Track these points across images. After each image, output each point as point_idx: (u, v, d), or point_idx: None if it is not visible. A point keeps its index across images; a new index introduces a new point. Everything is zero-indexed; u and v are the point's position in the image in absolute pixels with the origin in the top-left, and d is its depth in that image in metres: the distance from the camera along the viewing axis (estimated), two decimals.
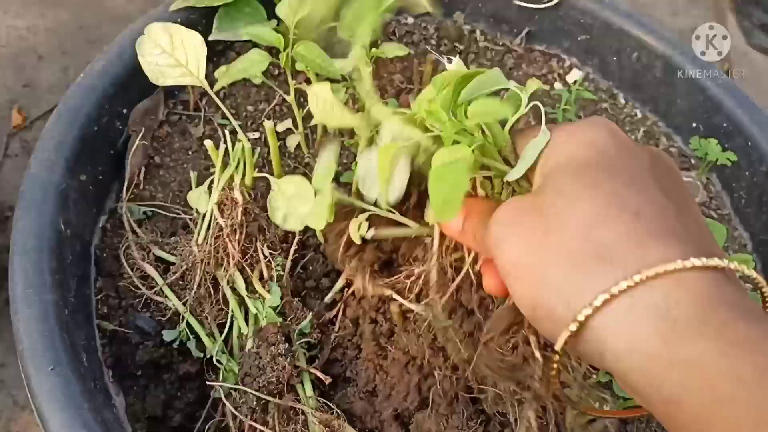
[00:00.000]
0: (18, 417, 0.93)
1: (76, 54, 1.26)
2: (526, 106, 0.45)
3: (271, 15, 0.85)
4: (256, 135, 0.83)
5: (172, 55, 0.60)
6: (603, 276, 0.36)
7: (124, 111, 0.76)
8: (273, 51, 0.68)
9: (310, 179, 0.80)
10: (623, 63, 0.90)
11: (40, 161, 0.66)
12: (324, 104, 0.64)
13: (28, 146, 1.14)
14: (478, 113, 0.44)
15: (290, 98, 0.66)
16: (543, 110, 0.45)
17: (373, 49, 0.78)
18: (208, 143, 0.69)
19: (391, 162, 0.49)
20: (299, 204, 0.62)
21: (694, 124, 0.84)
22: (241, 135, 0.65)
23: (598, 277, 0.36)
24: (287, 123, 0.79)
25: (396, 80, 0.89)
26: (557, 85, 0.92)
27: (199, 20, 0.81)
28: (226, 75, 0.58)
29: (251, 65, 0.59)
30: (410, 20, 0.96)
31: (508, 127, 0.46)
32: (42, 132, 0.69)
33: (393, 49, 0.78)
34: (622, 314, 0.35)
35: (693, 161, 0.87)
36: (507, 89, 0.48)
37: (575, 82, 0.92)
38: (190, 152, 0.81)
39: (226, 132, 0.74)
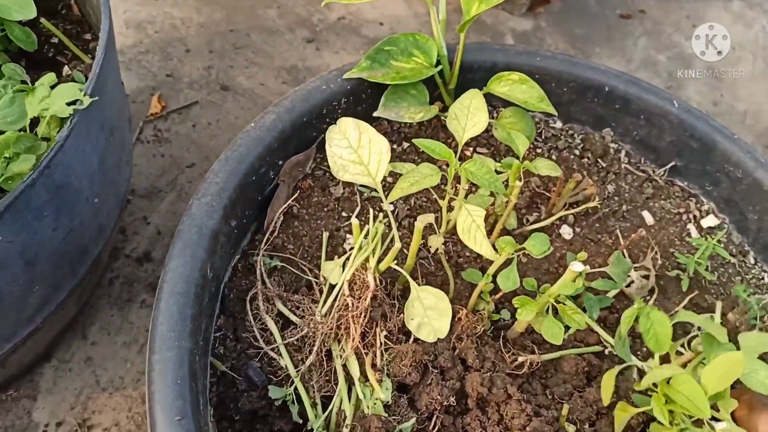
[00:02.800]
0: (98, 397, 0.99)
1: (221, 54, 1.31)
2: None
3: (433, 99, 0.87)
4: (390, 207, 0.85)
5: (356, 152, 0.62)
6: None
7: (280, 162, 0.79)
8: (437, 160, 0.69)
9: (431, 263, 0.82)
10: (763, 224, 0.88)
11: (201, 205, 0.69)
12: (470, 225, 0.65)
13: (161, 135, 1.19)
14: None
15: (443, 203, 0.68)
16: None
17: (526, 162, 0.79)
18: (354, 222, 0.71)
19: None
20: (435, 317, 0.64)
21: None
22: (396, 234, 0.66)
23: None
24: (429, 217, 0.81)
25: (533, 183, 0.90)
26: (691, 227, 0.91)
27: (365, 90, 0.83)
28: (398, 188, 0.60)
29: (422, 178, 0.61)
30: (558, 125, 0.96)
31: None
32: (206, 175, 0.72)
33: (546, 168, 0.78)
34: None
35: None
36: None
37: (710, 227, 0.90)
38: (325, 209, 0.84)
39: (391, 221, 0.76)
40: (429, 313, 0.64)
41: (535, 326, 0.70)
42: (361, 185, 0.85)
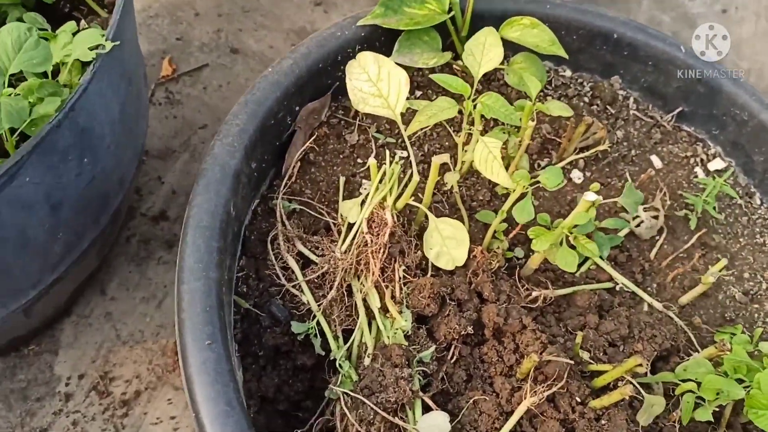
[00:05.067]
0: (118, 350, 1.01)
1: (230, 18, 1.32)
2: None
3: (445, 47, 0.88)
4: (404, 153, 0.87)
5: (375, 85, 0.64)
6: None
7: (297, 108, 0.81)
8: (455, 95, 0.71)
9: (446, 207, 0.84)
10: None
11: (224, 144, 0.71)
12: (487, 156, 0.67)
13: (173, 97, 1.20)
14: None
15: (459, 139, 0.69)
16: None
17: (539, 103, 0.80)
18: (371, 161, 0.73)
19: None
20: (453, 246, 0.66)
21: None
22: (414, 166, 0.68)
23: None
24: (445, 157, 0.83)
25: (543, 129, 0.92)
26: (698, 170, 0.92)
27: (379, 37, 0.84)
28: (417, 121, 0.62)
29: (440, 111, 0.63)
30: (568, 73, 0.97)
31: None
32: (227, 117, 0.74)
33: (558, 109, 0.80)
34: None
35: None
36: None
37: (717, 171, 0.92)
38: (341, 156, 0.85)
39: (412, 161, 0.77)
40: (447, 243, 0.66)
41: (549, 257, 0.72)
42: (375, 132, 0.87)
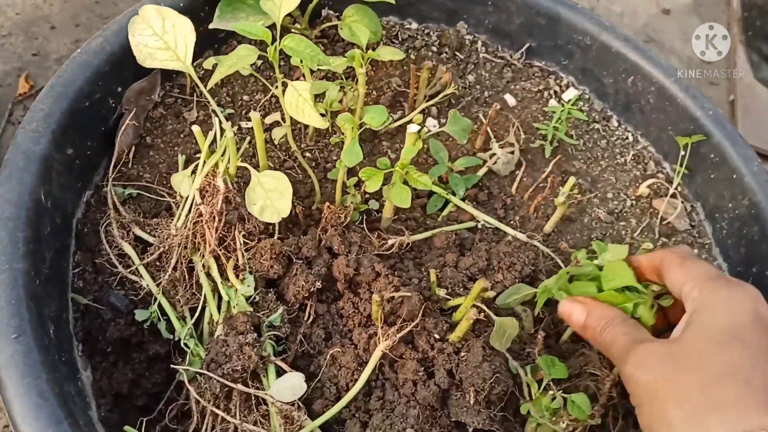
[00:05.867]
0: None
1: (88, 27, 1.27)
2: None
3: None
4: (250, 124, 0.84)
5: (161, 38, 0.61)
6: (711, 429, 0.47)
7: (119, 89, 0.77)
8: (265, 45, 0.68)
9: (298, 172, 0.81)
10: (619, 86, 0.91)
11: (27, 131, 0.66)
12: (297, 100, 0.65)
13: None
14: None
15: (277, 91, 0.67)
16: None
17: (369, 51, 0.79)
18: (195, 128, 0.69)
19: None
20: (277, 198, 0.63)
21: (682, 152, 0.84)
22: (225, 124, 0.65)
23: (707, 429, 0.48)
24: (277, 116, 0.80)
25: (393, 83, 0.90)
26: (552, 102, 0.92)
27: (202, 7, 0.82)
28: (217, 72, 0.59)
29: (239, 60, 0.60)
30: (414, 25, 0.96)
31: None
32: (32, 104, 0.69)
33: (389, 53, 0.79)
34: None
35: (679, 188, 0.87)
36: None
37: (569, 100, 0.92)
38: (182, 135, 0.82)
39: (221, 118, 0.75)
40: (271, 195, 0.63)
41: (386, 196, 0.69)
42: (216, 106, 0.84)
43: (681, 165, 0.84)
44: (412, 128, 0.65)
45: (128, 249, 0.71)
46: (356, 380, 0.64)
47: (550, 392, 0.61)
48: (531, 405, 0.61)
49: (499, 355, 0.65)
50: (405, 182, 0.68)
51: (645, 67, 0.87)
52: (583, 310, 0.60)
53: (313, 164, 0.82)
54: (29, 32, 1.25)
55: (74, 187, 0.72)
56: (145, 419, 0.63)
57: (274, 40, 0.63)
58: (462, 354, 0.64)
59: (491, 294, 0.63)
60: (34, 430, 0.52)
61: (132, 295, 0.70)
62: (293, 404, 0.62)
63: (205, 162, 0.71)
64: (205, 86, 0.65)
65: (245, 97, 0.87)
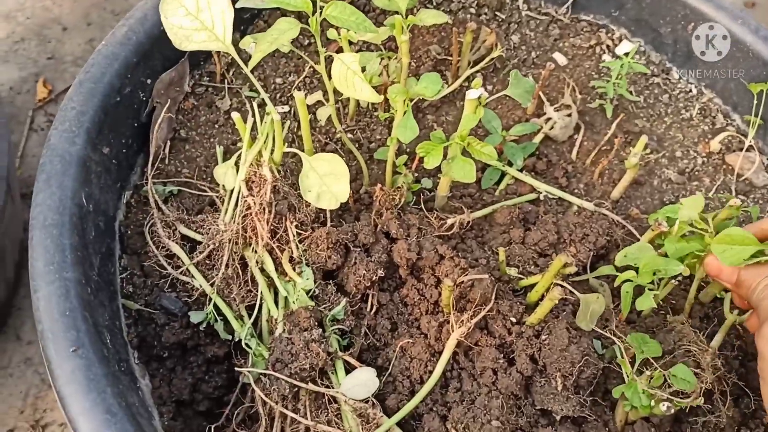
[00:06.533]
0: (45, 394, 0.92)
1: (101, 25, 1.23)
2: None
3: None
4: (285, 108, 0.79)
5: (197, 18, 0.56)
6: None
7: (148, 81, 0.73)
8: (302, 18, 0.63)
9: (342, 155, 0.76)
10: (678, 35, 0.84)
11: (60, 132, 0.62)
12: (345, 73, 0.59)
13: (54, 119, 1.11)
14: None
15: (320, 67, 0.62)
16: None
17: (410, 17, 0.73)
18: (235, 115, 0.65)
19: None
20: (333, 182, 0.58)
21: (755, 101, 0.77)
22: (269, 107, 0.61)
23: None
24: (318, 95, 0.75)
25: (433, 51, 0.84)
26: (606, 57, 0.86)
27: None
28: (258, 50, 0.54)
29: (281, 34, 0.55)
30: None
31: None
32: (62, 103, 0.65)
33: (431, 17, 0.73)
34: None
35: (754, 141, 0.80)
36: None
37: (626, 54, 0.85)
38: (216, 126, 0.77)
39: (254, 105, 0.70)
40: (326, 180, 0.58)
41: (446, 172, 0.64)
42: (249, 92, 0.79)
43: (756, 115, 0.77)
44: (472, 94, 0.59)
45: (176, 249, 0.67)
46: (431, 372, 0.60)
47: (646, 372, 0.56)
48: (625, 388, 0.56)
49: (585, 336, 0.60)
50: (465, 154, 0.63)
51: (707, 11, 0.80)
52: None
53: (356, 145, 0.77)
54: (42, 36, 1.21)
55: (113, 189, 0.68)
56: (212, 426, 0.60)
57: (314, 11, 0.58)
58: (543, 337, 0.59)
59: (571, 271, 0.58)
60: None
61: (185, 297, 0.66)
62: (367, 401, 0.58)
63: (247, 151, 0.66)
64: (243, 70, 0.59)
65: (278, 80, 0.82)
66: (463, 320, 0.59)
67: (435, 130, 0.81)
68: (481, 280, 0.61)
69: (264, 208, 0.64)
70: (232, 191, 0.68)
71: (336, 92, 0.74)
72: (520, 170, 0.76)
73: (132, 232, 0.69)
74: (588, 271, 0.67)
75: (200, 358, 0.66)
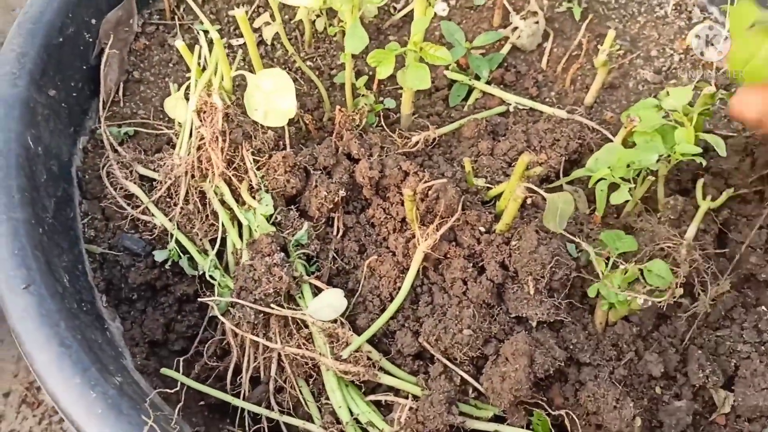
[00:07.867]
0: None
1: None
2: None
3: None
4: (241, 41, 0.76)
5: None
6: None
7: (93, 21, 0.70)
8: None
9: (303, 84, 0.73)
10: None
11: (1, 76, 0.60)
12: None
13: None
14: None
15: None
16: None
17: None
18: (179, 44, 0.62)
19: None
20: (279, 99, 0.56)
21: None
22: (213, 33, 0.58)
23: None
24: (265, 17, 0.72)
25: None
26: None
27: None
28: None
29: None
30: None
31: None
32: (2, 46, 0.63)
33: None
34: None
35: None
36: None
37: None
38: (170, 64, 0.75)
39: (206, 39, 0.68)
40: (271, 97, 0.56)
41: (401, 82, 0.61)
42: (201, 27, 0.76)
43: (733, 3, 0.72)
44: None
45: (134, 188, 0.65)
46: (400, 288, 0.58)
47: (621, 267, 0.54)
48: (600, 285, 0.54)
49: (555, 238, 0.57)
50: (421, 61, 0.60)
51: None
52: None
53: (317, 73, 0.75)
54: None
55: (66, 133, 0.66)
56: (181, 359, 0.59)
57: None
58: (513, 243, 0.57)
59: (538, 171, 0.55)
60: (59, 379, 0.48)
61: (147, 236, 0.65)
62: (335, 321, 0.57)
63: (197, 81, 0.64)
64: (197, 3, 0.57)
65: (230, 12, 0.79)
66: (428, 233, 0.57)
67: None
68: (445, 191, 0.58)
69: (217, 137, 0.62)
70: (184, 124, 0.66)
71: (285, 13, 0.71)
72: (488, 83, 0.73)
73: (90, 176, 0.68)
74: (561, 177, 0.65)
75: (170, 297, 0.65)
